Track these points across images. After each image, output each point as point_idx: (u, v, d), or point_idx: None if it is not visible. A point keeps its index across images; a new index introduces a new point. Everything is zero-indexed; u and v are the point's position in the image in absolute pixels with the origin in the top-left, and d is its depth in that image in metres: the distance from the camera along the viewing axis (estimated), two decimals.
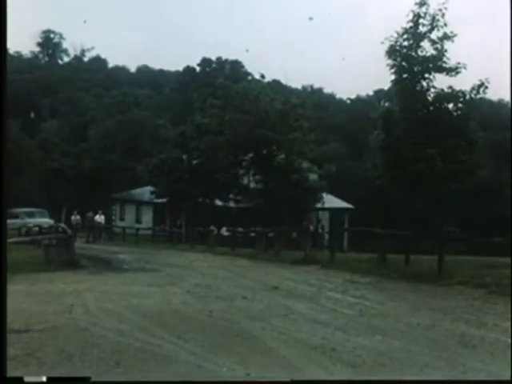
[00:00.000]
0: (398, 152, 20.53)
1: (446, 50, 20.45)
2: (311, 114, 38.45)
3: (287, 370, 5.99)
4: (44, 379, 5.26)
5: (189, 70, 74.72)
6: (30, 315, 8.55)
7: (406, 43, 20.50)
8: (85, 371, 5.83)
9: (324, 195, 37.98)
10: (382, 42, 20.42)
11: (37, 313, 8.79)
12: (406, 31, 20.42)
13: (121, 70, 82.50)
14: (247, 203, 37.73)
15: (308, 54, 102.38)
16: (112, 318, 8.58)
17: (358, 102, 71.45)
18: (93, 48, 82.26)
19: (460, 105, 20.82)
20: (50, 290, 11.35)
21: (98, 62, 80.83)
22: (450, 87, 20.63)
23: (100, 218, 36.12)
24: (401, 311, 9.47)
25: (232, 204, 39.17)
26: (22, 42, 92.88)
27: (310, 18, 78.25)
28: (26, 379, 5.23)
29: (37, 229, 28.75)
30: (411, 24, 20.37)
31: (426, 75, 20.61)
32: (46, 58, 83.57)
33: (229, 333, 7.62)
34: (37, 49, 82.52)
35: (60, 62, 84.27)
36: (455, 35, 20.31)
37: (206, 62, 74.57)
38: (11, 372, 5.52)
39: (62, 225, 25.84)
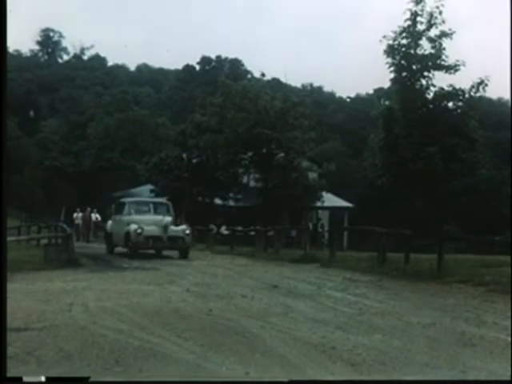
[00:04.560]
0: (397, 151, 20.55)
1: (444, 48, 20.48)
2: (311, 112, 38.40)
3: (287, 368, 5.98)
4: (43, 379, 5.24)
5: (188, 68, 74.72)
6: (30, 314, 8.53)
7: (404, 41, 20.52)
8: (84, 370, 5.82)
9: (324, 194, 38.00)
10: (380, 41, 20.45)
11: (36, 311, 8.77)
12: (404, 30, 20.44)
13: (120, 69, 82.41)
14: (247, 202, 37.76)
15: (308, 53, 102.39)
16: (111, 316, 8.57)
17: (358, 100, 71.48)
18: (92, 46, 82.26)
19: (460, 103, 20.84)
20: (50, 289, 11.33)
21: (98, 60, 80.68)
22: (450, 85, 20.64)
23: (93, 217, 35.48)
24: (401, 310, 9.46)
25: (232, 203, 39.20)
26: (21, 40, 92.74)
27: None
28: (25, 379, 5.21)
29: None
30: (409, 22, 20.38)
31: (425, 73, 20.62)
32: (46, 57, 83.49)
33: (228, 331, 7.61)
34: (36, 47, 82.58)
35: (59, 60, 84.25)
36: (453, 32, 20.33)
37: (205, 61, 74.59)
38: (10, 371, 5.51)
39: (61, 223, 25.86)
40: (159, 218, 20.40)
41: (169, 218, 20.52)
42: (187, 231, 20.51)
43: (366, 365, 6.10)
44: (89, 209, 35.50)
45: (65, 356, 6.34)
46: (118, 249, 21.46)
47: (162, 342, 6.98)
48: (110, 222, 22.60)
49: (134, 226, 19.63)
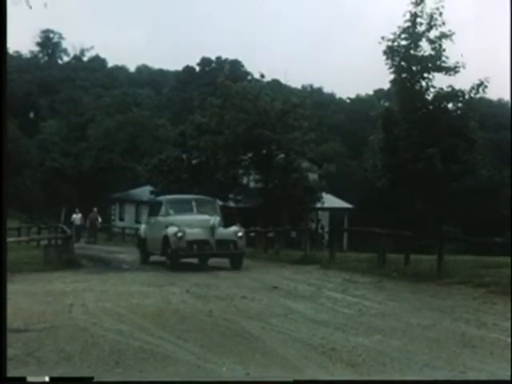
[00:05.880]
0: (397, 152, 20.57)
1: (444, 49, 20.53)
2: (311, 113, 38.36)
3: (287, 369, 5.99)
4: (46, 379, 5.24)
5: (188, 69, 74.80)
6: (30, 315, 8.54)
7: (404, 43, 20.56)
8: (84, 371, 5.83)
9: (324, 195, 37.98)
10: (380, 42, 20.50)
11: (36, 312, 8.78)
12: (404, 31, 20.48)
13: (120, 70, 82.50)
14: (247, 203, 37.71)
15: (308, 54, 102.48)
16: (111, 317, 8.58)
17: (358, 101, 71.51)
18: (92, 47, 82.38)
19: (459, 104, 20.88)
20: (50, 290, 11.34)
21: (98, 61, 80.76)
22: (450, 86, 20.69)
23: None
24: (400, 311, 9.46)
25: (232, 204, 39.13)
26: (21, 41, 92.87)
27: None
28: (29, 379, 5.21)
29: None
30: (409, 23, 20.43)
31: (425, 75, 20.67)
32: (46, 58, 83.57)
33: (228, 332, 7.61)
34: (36, 48, 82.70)
35: (59, 61, 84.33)
36: (453, 33, 20.38)
37: (205, 62, 74.60)
38: (10, 372, 5.51)
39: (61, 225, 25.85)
40: (205, 217, 16.85)
41: (217, 218, 16.95)
42: (240, 233, 16.75)
43: (365, 366, 6.11)
44: (95, 209, 35.12)
45: (65, 357, 6.35)
46: (155, 257, 17.92)
47: (162, 343, 6.99)
48: (143, 226, 19.20)
49: (173, 229, 16.11)
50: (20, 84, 61.48)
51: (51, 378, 5.23)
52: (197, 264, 17.08)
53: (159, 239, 16.67)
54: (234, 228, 16.94)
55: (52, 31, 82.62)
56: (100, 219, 35.62)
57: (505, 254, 13.81)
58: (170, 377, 5.76)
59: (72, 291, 11.17)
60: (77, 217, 34.20)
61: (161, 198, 19.03)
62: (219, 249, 16.39)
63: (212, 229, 16.37)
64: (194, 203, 17.81)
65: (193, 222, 16.63)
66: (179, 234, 15.93)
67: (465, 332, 7.75)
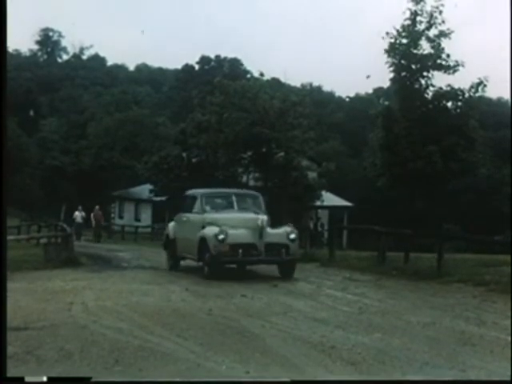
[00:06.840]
0: (397, 150, 20.59)
1: (443, 48, 20.55)
2: (310, 111, 38.31)
3: (286, 368, 5.98)
4: (44, 379, 5.22)
5: (188, 67, 74.69)
6: (29, 313, 8.53)
7: (404, 41, 20.58)
8: (84, 369, 5.82)
9: (323, 193, 37.99)
10: (383, 37, 20.50)
11: (36, 310, 8.77)
12: (404, 29, 20.50)
13: (120, 68, 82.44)
14: None
15: (307, 52, 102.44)
16: (111, 315, 8.57)
17: (358, 99, 71.46)
18: (92, 46, 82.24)
19: (459, 103, 20.92)
20: (49, 288, 11.33)
21: (97, 60, 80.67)
22: (449, 85, 20.71)
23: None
24: (400, 309, 9.46)
25: None
26: (20, 40, 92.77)
27: None
28: (27, 379, 5.19)
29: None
30: (409, 22, 20.46)
31: (425, 73, 20.70)
32: (45, 56, 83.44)
33: (228, 331, 7.61)
34: (36, 47, 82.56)
35: (59, 60, 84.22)
36: (452, 32, 20.41)
37: (204, 60, 74.52)
38: (10, 370, 5.50)
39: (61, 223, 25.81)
40: (250, 216, 13.91)
41: (264, 217, 13.73)
42: (292, 235, 13.71)
43: (365, 364, 6.10)
44: (98, 207, 35.04)
45: (65, 355, 6.34)
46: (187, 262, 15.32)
47: (162, 341, 6.98)
48: (172, 224, 16.21)
49: (213, 230, 13.37)
50: (20, 82, 61.40)
51: (49, 378, 5.22)
52: (237, 270, 14.46)
53: (194, 241, 13.99)
54: (285, 228, 13.98)
55: (51, 29, 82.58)
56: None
57: (505, 252, 13.81)
58: (169, 375, 5.74)
59: (72, 289, 11.16)
60: (79, 214, 34.05)
61: (194, 191, 16.07)
62: (268, 254, 13.53)
63: (260, 230, 13.42)
64: (234, 198, 15.03)
65: (235, 221, 13.82)
66: (221, 236, 13.20)
67: (465, 330, 7.75)
